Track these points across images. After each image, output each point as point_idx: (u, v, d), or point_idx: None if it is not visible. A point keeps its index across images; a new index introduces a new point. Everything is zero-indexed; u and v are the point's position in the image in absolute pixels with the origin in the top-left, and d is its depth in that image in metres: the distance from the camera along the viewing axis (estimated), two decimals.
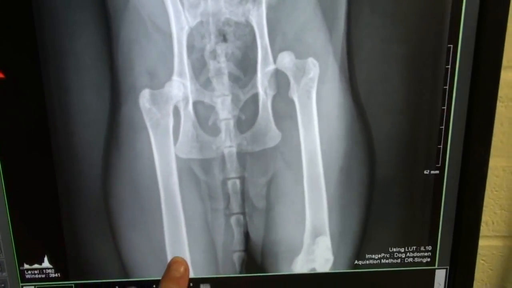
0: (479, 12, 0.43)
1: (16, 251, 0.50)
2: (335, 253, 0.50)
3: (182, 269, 0.35)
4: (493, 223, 0.57)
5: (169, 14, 0.43)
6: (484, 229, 0.57)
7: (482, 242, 0.57)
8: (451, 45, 0.44)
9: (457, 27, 0.43)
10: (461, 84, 0.45)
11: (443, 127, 0.46)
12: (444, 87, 0.45)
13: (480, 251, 0.57)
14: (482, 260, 0.59)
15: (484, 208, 0.54)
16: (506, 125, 0.53)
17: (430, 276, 0.51)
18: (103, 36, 0.43)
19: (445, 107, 0.45)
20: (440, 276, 0.51)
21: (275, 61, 0.45)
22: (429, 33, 0.43)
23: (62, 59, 0.44)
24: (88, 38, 0.43)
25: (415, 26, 0.43)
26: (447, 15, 0.43)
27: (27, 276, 0.50)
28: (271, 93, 0.45)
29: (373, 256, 0.50)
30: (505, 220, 0.57)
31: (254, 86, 0.45)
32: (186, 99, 0.45)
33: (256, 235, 0.49)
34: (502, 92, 0.51)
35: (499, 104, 0.51)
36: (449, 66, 0.44)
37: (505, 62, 0.49)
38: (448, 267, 0.51)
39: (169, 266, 0.36)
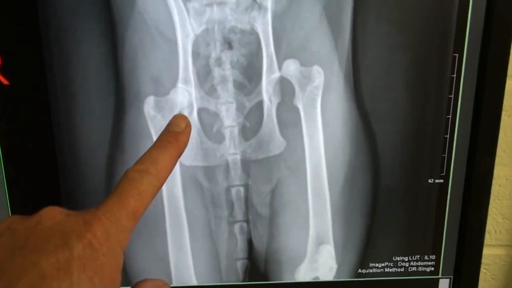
0: (484, 21, 0.43)
1: None
2: (339, 262, 0.50)
3: (183, 124, 0.31)
4: (495, 232, 0.57)
5: (175, 21, 0.43)
6: (486, 238, 0.57)
7: (484, 251, 0.57)
8: (457, 54, 0.44)
9: (462, 36, 0.43)
10: (466, 93, 0.45)
11: (447, 136, 0.46)
12: (449, 96, 0.45)
13: (482, 260, 0.57)
14: (485, 269, 0.59)
15: None
16: (509, 134, 0.53)
17: (433, 285, 0.51)
18: (108, 43, 0.43)
19: (450, 116, 0.45)
20: (444, 285, 0.51)
21: (280, 68, 0.44)
22: (435, 42, 0.43)
23: (67, 66, 0.44)
24: (94, 45, 0.43)
25: (421, 35, 0.43)
26: (453, 24, 0.43)
27: None
28: (275, 100, 0.45)
29: (377, 264, 0.50)
30: (508, 229, 0.57)
31: (259, 93, 0.45)
32: (190, 106, 0.45)
33: (260, 243, 0.49)
34: (506, 101, 0.51)
35: (503, 113, 0.51)
36: (454, 75, 0.44)
37: (510, 71, 0.49)
38: (451, 276, 0.51)
39: (169, 122, 0.31)
